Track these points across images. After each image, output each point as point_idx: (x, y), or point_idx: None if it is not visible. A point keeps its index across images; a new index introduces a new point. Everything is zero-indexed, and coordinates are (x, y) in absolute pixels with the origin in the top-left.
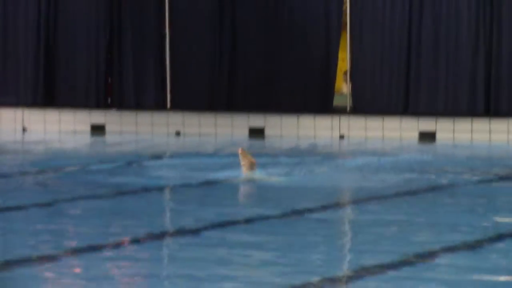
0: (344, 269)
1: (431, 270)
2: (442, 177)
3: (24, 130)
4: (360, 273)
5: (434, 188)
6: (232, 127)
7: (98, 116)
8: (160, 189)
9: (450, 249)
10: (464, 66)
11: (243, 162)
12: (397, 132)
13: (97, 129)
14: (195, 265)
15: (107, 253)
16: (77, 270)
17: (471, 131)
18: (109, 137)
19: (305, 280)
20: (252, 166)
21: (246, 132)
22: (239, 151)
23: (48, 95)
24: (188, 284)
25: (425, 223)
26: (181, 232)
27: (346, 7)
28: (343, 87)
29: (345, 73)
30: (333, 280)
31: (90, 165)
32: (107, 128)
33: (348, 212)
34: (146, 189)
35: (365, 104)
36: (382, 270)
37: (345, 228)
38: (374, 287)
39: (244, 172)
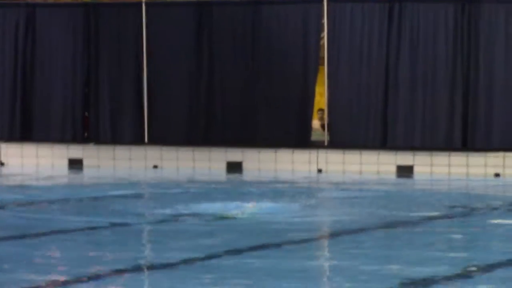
0: None
1: None
2: (417, 211)
3: (1, 164)
4: None
5: (409, 222)
6: (210, 161)
7: (76, 151)
8: (137, 224)
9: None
10: (442, 100)
11: None
12: (374, 166)
13: (75, 163)
14: None
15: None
16: None
17: (449, 165)
18: (86, 171)
19: None
20: None
21: (224, 166)
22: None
23: (25, 129)
24: None
25: (399, 256)
26: (155, 266)
27: (324, 42)
28: (315, 123)
29: (319, 110)
30: None
31: (66, 200)
32: (85, 163)
33: (325, 245)
34: (123, 224)
35: (343, 139)
36: None
37: (324, 261)
38: None
39: None
